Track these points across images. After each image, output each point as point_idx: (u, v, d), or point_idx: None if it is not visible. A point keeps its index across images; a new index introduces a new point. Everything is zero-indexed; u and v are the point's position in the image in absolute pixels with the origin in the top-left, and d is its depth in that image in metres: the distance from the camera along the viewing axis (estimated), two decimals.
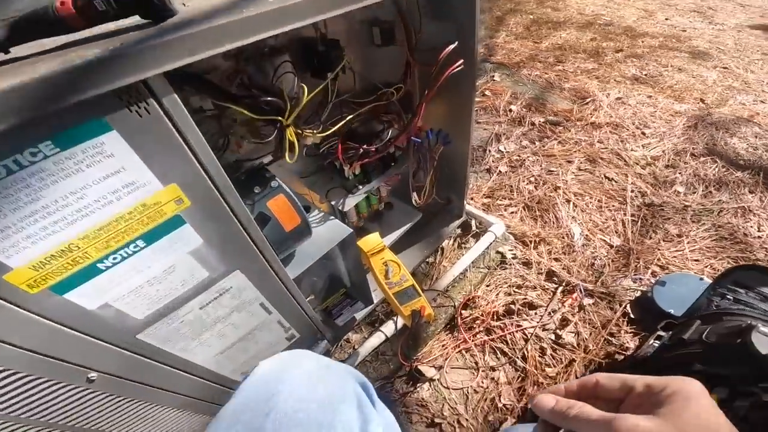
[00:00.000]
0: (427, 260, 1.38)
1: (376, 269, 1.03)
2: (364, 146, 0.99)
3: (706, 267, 1.36)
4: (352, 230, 0.91)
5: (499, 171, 1.75)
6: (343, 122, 0.90)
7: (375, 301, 1.13)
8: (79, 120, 0.43)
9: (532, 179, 1.70)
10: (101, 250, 0.51)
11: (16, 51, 0.45)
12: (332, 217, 0.95)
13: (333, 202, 1.05)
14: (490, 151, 1.87)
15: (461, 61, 0.90)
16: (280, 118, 0.68)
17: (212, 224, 0.59)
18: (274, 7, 0.51)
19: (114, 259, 0.52)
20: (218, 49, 0.48)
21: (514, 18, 4.20)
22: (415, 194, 1.17)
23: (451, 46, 0.87)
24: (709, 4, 5.94)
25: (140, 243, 0.54)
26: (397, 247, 1.28)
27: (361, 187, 1.08)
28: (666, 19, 4.66)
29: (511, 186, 1.67)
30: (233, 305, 0.71)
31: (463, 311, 1.24)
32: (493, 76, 2.64)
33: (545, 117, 2.12)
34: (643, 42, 3.68)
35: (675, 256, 1.39)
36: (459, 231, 1.45)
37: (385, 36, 0.97)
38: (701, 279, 1.23)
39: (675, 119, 2.15)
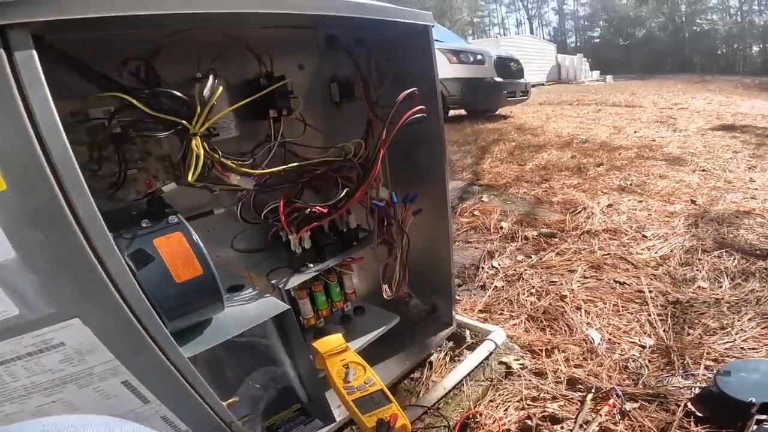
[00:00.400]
0: (411, 376, 1.16)
1: (333, 372, 0.81)
2: (313, 206, 0.87)
3: (759, 354, 1.18)
4: (288, 307, 0.73)
5: (495, 286, 1.61)
6: (285, 167, 0.79)
7: (338, 418, 0.89)
8: None
9: (534, 291, 1.56)
10: None
11: None
12: (267, 294, 0.78)
13: (274, 281, 0.89)
14: (483, 268, 1.76)
15: (422, 107, 0.83)
16: (184, 122, 0.52)
17: (34, 231, 0.39)
18: None
19: None
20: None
21: (498, 146, 4.49)
22: (386, 287, 1.02)
23: (411, 90, 0.82)
24: (668, 114, 6.50)
25: None
26: (369, 358, 1.06)
27: (311, 265, 0.92)
28: (635, 131, 5.04)
29: (510, 299, 1.52)
30: (68, 373, 0.45)
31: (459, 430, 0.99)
32: (482, 197, 2.67)
33: (538, 230, 2.07)
34: (620, 154, 3.87)
35: (727, 348, 1.21)
36: (450, 344, 1.26)
37: (344, 91, 0.94)
38: None
39: (673, 219, 2.09)
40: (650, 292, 1.49)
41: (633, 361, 1.19)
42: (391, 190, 0.97)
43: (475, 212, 2.40)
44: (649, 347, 1.24)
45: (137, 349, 0.47)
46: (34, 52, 0.39)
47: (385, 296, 1.02)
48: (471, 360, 1.14)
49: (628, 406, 1.03)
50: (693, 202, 2.45)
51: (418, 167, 1.00)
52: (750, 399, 0.96)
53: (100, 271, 0.42)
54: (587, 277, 1.63)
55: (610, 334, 1.31)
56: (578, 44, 34.80)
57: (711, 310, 1.37)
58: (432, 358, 1.20)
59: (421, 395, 1.09)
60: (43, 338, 0.41)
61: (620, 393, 1.06)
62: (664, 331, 1.30)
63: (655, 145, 4.26)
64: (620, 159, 3.69)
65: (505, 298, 1.53)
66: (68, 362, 0.43)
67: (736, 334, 1.25)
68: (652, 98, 8.73)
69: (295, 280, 0.88)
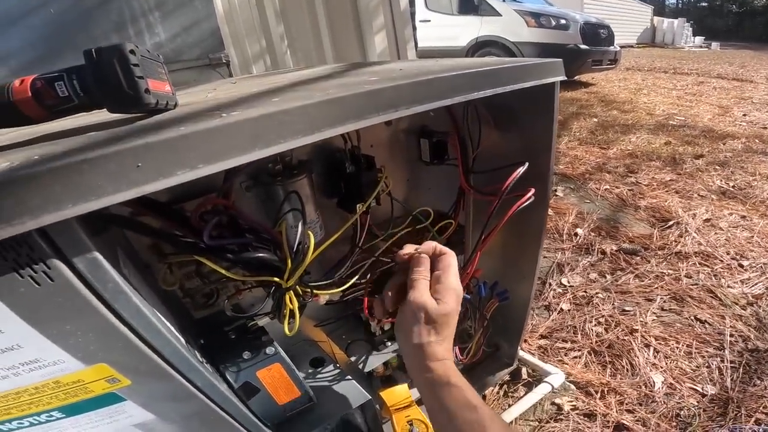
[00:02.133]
0: None
1: (398, 427, 0.88)
2: None
3: None
4: (369, 397, 0.80)
5: (561, 309, 1.57)
6: (370, 277, 0.74)
7: None
8: None
9: (602, 320, 1.50)
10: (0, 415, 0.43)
11: None
12: (348, 377, 0.84)
13: (353, 358, 0.93)
14: (550, 284, 1.71)
15: (531, 191, 0.70)
16: (276, 279, 0.52)
17: (169, 403, 0.48)
18: (288, 107, 0.37)
19: (20, 423, 0.43)
20: (179, 178, 0.33)
21: (578, 121, 4.19)
22: (457, 350, 1.03)
23: (521, 169, 0.69)
24: None
25: (56, 414, 0.44)
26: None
27: (390, 344, 0.96)
28: (744, 114, 4.48)
29: (575, 327, 1.48)
30: None
31: None
32: (555, 191, 2.54)
33: (618, 244, 1.95)
34: (724, 144, 3.48)
35: None
36: (507, 377, 1.27)
37: (436, 151, 0.80)
38: None
39: None
40: (731, 336, 1.40)
41: (687, 410, 1.17)
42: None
43: (549, 211, 2.29)
44: (709, 396, 1.21)
45: None
46: (97, 256, 0.34)
47: (456, 359, 1.03)
48: (523, 403, 1.17)
49: None
50: None
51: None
52: None
53: (221, 413, 0.51)
54: (665, 310, 1.55)
55: (673, 378, 1.27)
56: (679, 6, 30.71)
57: None
58: (486, 391, 1.21)
59: None
60: None
61: None
62: (731, 380, 1.25)
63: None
64: (724, 150, 3.32)
65: (570, 324, 1.49)
66: None
67: None
68: (766, 73, 7.57)
69: (374, 362, 0.93)
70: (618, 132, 3.82)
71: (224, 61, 2.24)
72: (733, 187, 2.63)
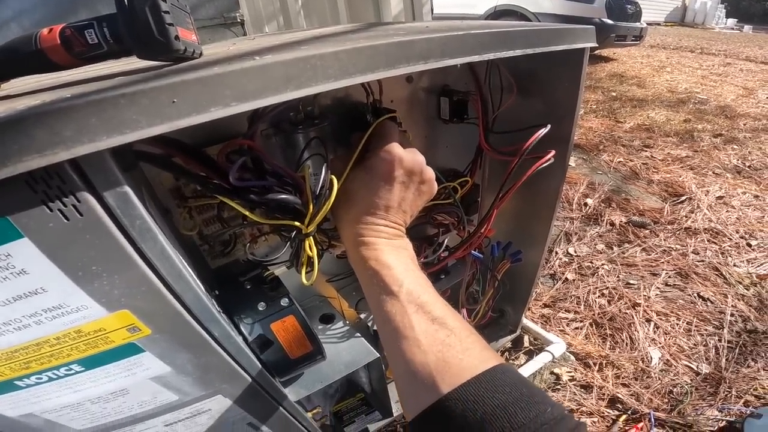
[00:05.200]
0: None
1: None
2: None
3: None
4: (378, 355, 0.81)
5: (566, 278, 1.58)
6: None
7: (395, 414, 0.99)
8: None
9: (606, 292, 1.52)
10: (18, 371, 0.42)
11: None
12: (358, 334, 0.85)
13: (362, 316, 0.95)
14: (557, 252, 1.72)
15: (552, 152, 0.69)
16: (297, 224, 0.51)
17: (186, 354, 0.47)
18: (321, 52, 0.37)
19: (38, 378, 0.43)
20: (211, 114, 0.33)
21: (594, 94, 4.09)
22: (464, 312, 1.04)
23: (543, 130, 0.68)
24: None
25: (75, 367, 0.43)
26: None
27: None
28: None
29: (578, 297, 1.49)
30: (212, 424, 0.61)
31: None
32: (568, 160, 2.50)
33: (628, 216, 1.94)
34: (744, 124, 3.41)
35: None
36: (509, 345, 1.30)
37: (455, 110, 0.79)
38: None
39: None
40: (731, 315, 1.41)
41: (680, 387, 1.20)
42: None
43: None
44: (703, 375, 1.24)
45: (261, 404, 0.61)
46: (127, 190, 0.33)
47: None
48: (524, 371, 1.19)
49: (654, 431, 1.08)
50: None
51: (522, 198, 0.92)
52: None
53: (235, 366, 0.52)
54: (669, 286, 1.56)
55: (670, 355, 1.30)
56: None
57: None
58: None
59: None
60: (196, 408, 0.55)
61: (653, 418, 1.11)
62: (726, 360, 1.28)
63: None
64: (743, 130, 3.24)
65: (574, 295, 1.51)
66: (212, 418, 0.58)
67: None
68: None
69: None
70: (636, 107, 3.73)
71: (239, 20, 2.18)
72: (749, 166, 2.59)
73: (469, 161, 0.90)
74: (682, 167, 2.48)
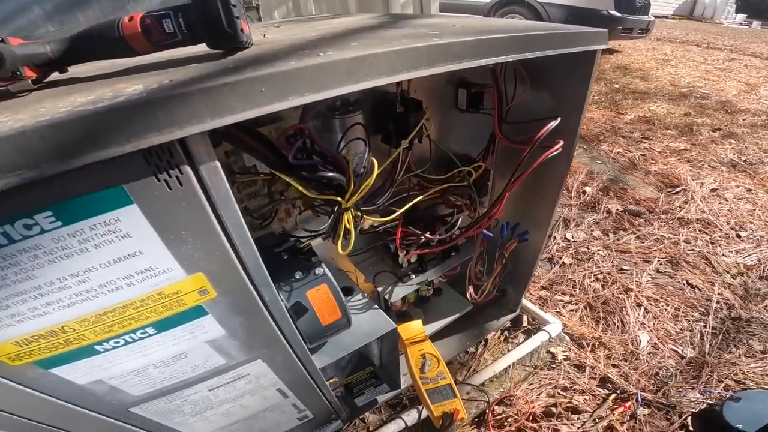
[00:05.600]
0: (467, 350, 1.31)
1: (413, 360, 1.00)
2: (427, 234, 0.92)
3: None
4: (395, 326, 0.88)
5: (563, 262, 1.66)
6: (408, 205, 0.80)
7: (402, 387, 1.08)
8: (91, 187, 0.35)
9: (600, 276, 1.60)
10: (101, 334, 0.46)
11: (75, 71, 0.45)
12: (375, 306, 0.93)
13: (380, 289, 1.02)
14: (555, 237, 1.79)
15: (560, 143, 0.77)
16: (339, 198, 0.58)
17: (239, 317, 0.54)
18: (375, 51, 0.42)
19: (116, 342, 0.48)
20: (289, 103, 0.39)
21: (596, 86, 4.13)
22: (471, 289, 1.12)
23: (553, 123, 0.75)
24: None
25: (150, 330, 0.49)
26: (437, 334, 1.23)
27: (414, 276, 1.04)
28: None
29: (575, 281, 1.58)
30: (248, 389, 0.69)
31: (496, 407, 1.16)
32: None
33: (624, 205, 2.02)
34: (743, 120, 3.47)
35: (755, 372, 1.27)
36: (509, 323, 1.38)
37: (472, 101, 0.87)
38: None
39: None
40: (717, 303, 1.50)
41: (666, 370, 1.28)
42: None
43: None
44: (687, 359, 1.32)
45: (292, 369, 0.69)
46: (218, 164, 0.40)
47: (468, 298, 1.12)
48: (522, 348, 1.28)
49: (640, 411, 1.16)
50: None
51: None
52: (738, 425, 1.02)
53: (277, 332, 0.60)
54: (660, 272, 1.64)
55: (658, 339, 1.38)
56: None
57: (763, 333, 1.40)
58: (488, 335, 1.32)
59: (472, 370, 1.25)
60: (238, 373, 0.62)
61: (639, 398, 1.18)
62: (710, 345, 1.36)
63: None
64: (742, 125, 3.31)
65: (570, 278, 1.59)
66: (250, 383, 0.65)
67: None
68: None
69: (399, 292, 1.00)
70: (637, 99, 3.78)
71: (254, 4, 2.18)
72: (745, 161, 2.66)
73: (482, 148, 0.97)
74: (679, 159, 2.55)
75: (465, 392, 1.21)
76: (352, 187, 0.56)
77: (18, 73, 0.41)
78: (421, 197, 0.82)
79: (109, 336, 0.47)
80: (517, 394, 1.20)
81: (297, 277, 0.66)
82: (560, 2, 5.33)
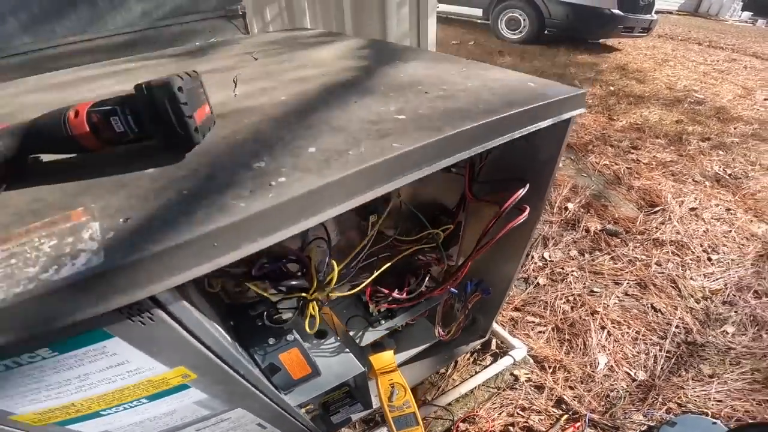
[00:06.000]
0: (437, 370, 1.41)
1: (382, 389, 1.10)
2: (395, 293, 1.00)
3: (726, 408, 1.34)
4: (363, 369, 0.97)
5: (537, 283, 1.75)
6: (376, 274, 0.86)
7: (375, 406, 1.18)
8: (75, 331, 0.43)
9: (571, 298, 1.69)
10: (103, 405, 0.57)
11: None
12: (347, 350, 1.01)
13: (351, 332, 1.11)
14: (533, 257, 1.88)
15: (527, 210, 0.80)
16: (303, 294, 0.66)
17: (219, 386, 0.64)
18: (329, 180, 0.48)
19: (116, 409, 0.59)
20: (243, 251, 0.45)
21: (593, 88, 4.15)
22: (439, 328, 1.21)
23: (522, 191, 0.78)
24: None
25: (143, 400, 0.60)
26: (407, 358, 1.31)
27: (383, 322, 1.13)
28: (765, 99, 4.39)
29: (546, 302, 1.67)
30: (230, 427, 0.80)
31: (461, 424, 1.28)
32: None
33: (603, 224, 2.10)
34: (734, 128, 3.52)
35: (698, 396, 1.38)
36: (479, 347, 1.47)
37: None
38: (714, 423, 1.23)
39: (749, 245, 2.03)
40: (676, 327, 1.59)
41: (616, 392, 1.39)
42: None
43: None
44: (638, 381, 1.42)
45: (269, 410, 0.78)
46: (185, 303, 0.48)
47: (436, 335, 1.22)
48: (488, 371, 1.39)
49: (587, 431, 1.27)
50: None
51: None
52: None
53: (254, 390, 0.69)
54: (628, 295, 1.73)
55: (615, 362, 1.48)
56: None
57: (715, 358, 1.50)
58: (458, 358, 1.42)
59: (441, 390, 1.36)
60: (221, 417, 0.73)
61: (588, 419, 1.30)
62: (661, 368, 1.46)
63: None
64: (733, 134, 3.35)
65: (543, 299, 1.68)
66: (232, 423, 0.76)
67: (717, 384, 1.40)
68: None
69: (369, 337, 1.09)
70: (631, 103, 3.81)
71: (240, 12, 2.20)
72: (730, 174, 2.72)
73: (455, 202, 1.04)
74: (663, 173, 2.62)
75: (433, 411, 1.31)
76: (315, 285, 0.63)
77: None
78: (389, 263, 0.88)
79: (110, 406, 0.58)
80: (480, 413, 1.31)
81: (270, 342, 0.76)
82: None
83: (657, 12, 6.02)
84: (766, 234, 2.11)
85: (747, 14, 13.15)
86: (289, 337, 0.76)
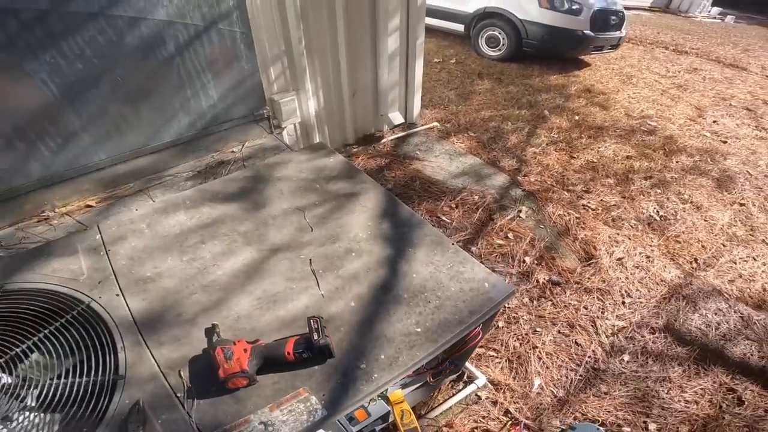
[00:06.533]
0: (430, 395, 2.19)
1: (397, 414, 1.85)
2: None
3: (612, 417, 2.11)
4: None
5: (498, 325, 2.51)
6: None
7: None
8: None
9: (520, 337, 2.46)
10: None
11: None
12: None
13: None
14: None
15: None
16: None
17: None
18: None
19: None
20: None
21: (559, 118, 4.82)
22: (430, 376, 1.97)
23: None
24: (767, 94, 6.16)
25: None
26: (411, 390, 2.07)
27: None
28: (714, 122, 5.09)
29: (503, 341, 2.44)
30: None
31: (444, 428, 2.05)
32: (520, 211, 3.33)
33: (550, 276, 2.84)
34: (676, 162, 4.23)
35: (595, 408, 2.16)
36: (454, 377, 2.24)
37: None
38: (598, 429, 2.01)
39: (657, 288, 2.80)
40: (589, 357, 2.36)
41: (542, 405, 2.15)
42: None
43: (509, 234, 3.12)
44: (558, 397, 2.19)
45: None
46: None
47: (429, 381, 1.96)
48: (460, 394, 2.16)
49: None
50: (695, 260, 3.08)
51: None
52: None
53: None
54: (560, 333, 2.51)
55: (545, 383, 2.25)
56: None
57: (610, 379, 2.27)
58: (441, 386, 2.19)
59: (430, 407, 2.12)
60: None
61: (524, 424, 2.07)
62: (574, 387, 2.24)
63: (722, 151, 4.48)
64: (673, 170, 4.06)
65: (501, 338, 2.45)
66: None
67: (608, 399, 2.17)
68: (766, 59, 7.89)
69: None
70: (592, 137, 4.50)
71: (265, 116, 2.62)
72: (661, 216, 3.47)
73: None
74: (604, 221, 3.35)
75: (426, 422, 2.09)
76: None
77: None
78: None
79: None
80: (456, 422, 2.09)
81: None
82: (539, 21, 5.90)
83: (631, 9, 6.58)
84: (673, 279, 2.89)
85: (716, 10, 13.64)
86: None
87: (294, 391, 1.15)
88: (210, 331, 1.27)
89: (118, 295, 1.38)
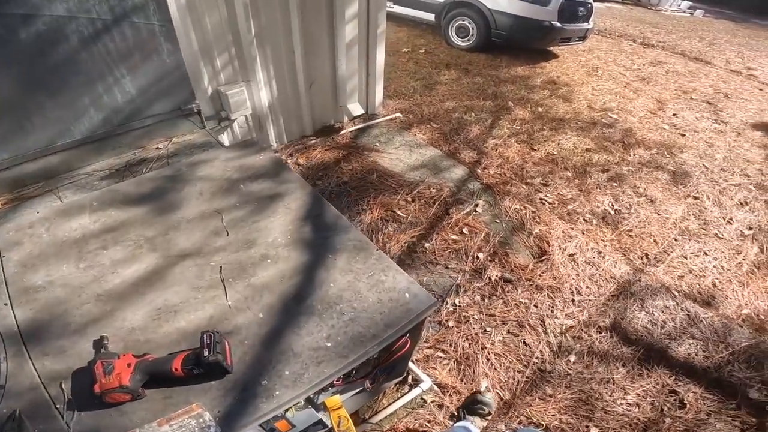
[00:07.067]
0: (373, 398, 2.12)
1: (333, 420, 1.77)
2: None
3: (556, 420, 2.12)
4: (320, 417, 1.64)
5: (447, 325, 2.46)
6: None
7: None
8: None
9: (469, 337, 2.43)
10: None
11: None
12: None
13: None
14: (447, 302, 2.58)
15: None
16: None
17: None
18: None
19: None
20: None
21: (521, 110, 4.80)
22: (368, 383, 1.89)
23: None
24: (730, 85, 6.30)
25: None
26: (350, 395, 2.00)
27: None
28: (674, 114, 5.18)
29: (452, 341, 2.40)
30: None
31: None
32: (477, 205, 3.28)
33: (502, 273, 2.81)
34: (634, 155, 4.27)
35: (539, 411, 2.16)
36: (399, 380, 2.18)
37: None
38: None
39: (607, 285, 2.82)
40: (536, 358, 2.34)
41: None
42: None
43: (464, 230, 3.07)
44: (504, 400, 2.19)
45: None
46: None
47: (367, 387, 1.88)
48: (405, 398, 2.12)
49: None
50: (646, 255, 3.10)
51: None
52: None
53: None
54: (509, 333, 2.49)
55: (492, 385, 2.23)
56: None
57: (556, 381, 2.28)
58: (386, 389, 2.12)
59: (375, 411, 2.06)
60: None
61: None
62: (520, 390, 2.23)
63: (680, 144, 4.55)
64: (630, 163, 4.10)
65: (450, 339, 2.41)
66: None
67: (553, 402, 2.17)
68: (731, 53, 8.06)
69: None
70: (552, 129, 4.49)
71: (195, 110, 2.53)
72: (615, 210, 3.49)
73: None
74: (560, 216, 3.34)
75: (369, 427, 2.02)
76: None
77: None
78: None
79: None
80: (400, 426, 2.03)
81: None
82: (508, 11, 5.84)
83: (602, 1, 6.59)
84: (623, 275, 2.89)
85: (687, 3, 13.90)
86: None
87: (187, 406, 1.06)
88: (98, 344, 1.20)
89: (6, 304, 1.28)
